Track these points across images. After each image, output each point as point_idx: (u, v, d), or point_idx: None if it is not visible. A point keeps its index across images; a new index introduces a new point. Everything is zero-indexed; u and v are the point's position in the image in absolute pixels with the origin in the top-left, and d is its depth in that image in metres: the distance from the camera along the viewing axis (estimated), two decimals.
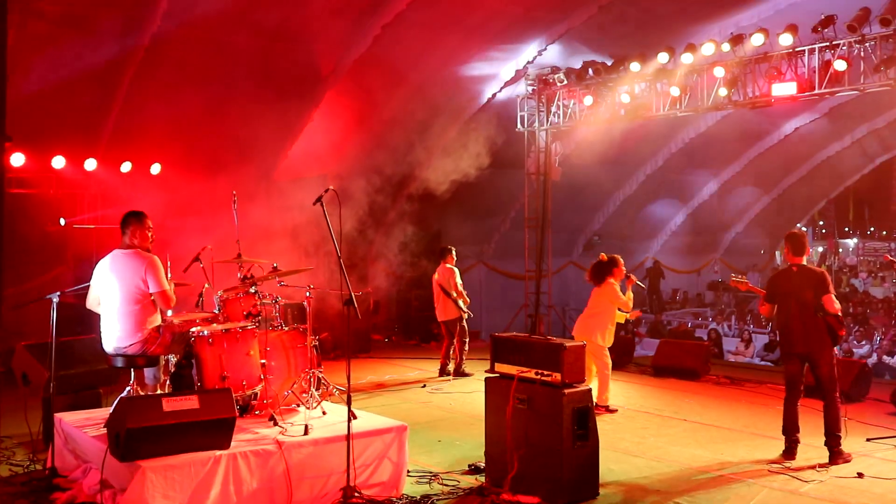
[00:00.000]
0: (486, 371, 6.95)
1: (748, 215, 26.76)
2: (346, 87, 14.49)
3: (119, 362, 6.55)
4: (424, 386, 11.21)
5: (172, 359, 6.84)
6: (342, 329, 11.40)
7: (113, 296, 6.50)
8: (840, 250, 36.91)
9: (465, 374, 11.77)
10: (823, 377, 7.51)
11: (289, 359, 7.01)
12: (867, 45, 12.70)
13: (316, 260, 14.18)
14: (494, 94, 16.23)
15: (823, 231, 38.75)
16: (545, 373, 6.42)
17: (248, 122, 14.25)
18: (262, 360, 6.74)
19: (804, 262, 7.73)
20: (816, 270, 7.72)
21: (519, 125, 16.75)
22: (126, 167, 13.63)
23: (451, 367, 11.97)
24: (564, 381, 6.31)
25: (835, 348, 7.71)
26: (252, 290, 7.14)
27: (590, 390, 6.52)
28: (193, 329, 6.59)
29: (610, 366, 9.55)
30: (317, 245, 13.53)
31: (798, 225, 30.20)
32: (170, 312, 6.77)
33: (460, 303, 11.87)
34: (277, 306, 7.39)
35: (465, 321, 11.97)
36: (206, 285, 7.33)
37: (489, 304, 19.48)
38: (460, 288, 11.96)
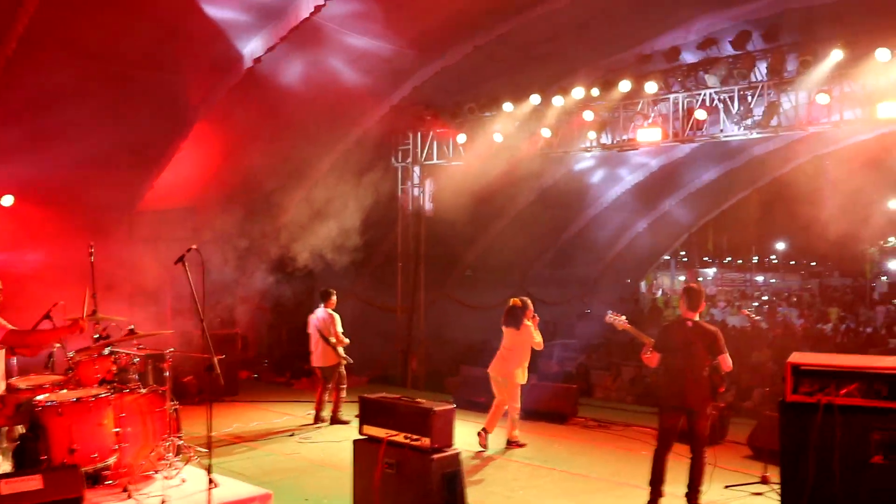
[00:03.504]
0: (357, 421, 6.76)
1: (615, 248, 27.61)
2: (216, 117, 14.08)
3: None
4: (293, 435, 10.86)
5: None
6: (205, 372, 11.01)
7: None
8: (700, 279, 38.53)
9: (341, 422, 11.46)
10: (699, 432, 7.63)
11: (146, 425, 6.64)
12: (725, 96, 13.35)
13: (181, 301, 13.77)
14: (368, 129, 16.11)
15: (685, 260, 40.43)
16: (414, 437, 6.31)
17: (112, 152, 13.65)
18: (117, 429, 6.33)
19: (697, 319, 7.80)
20: (710, 329, 7.73)
21: (393, 160, 16.71)
22: None
23: (325, 413, 11.64)
24: (433, 446, 6.23)
25: (712, 402, 7.82)
26: (107, 351, 6.71)
27: (458, 454, 6.45)
28: (40, 397, 6.12)
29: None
30: (179, 279, 13.12)
31: (665, 256, 31.35)
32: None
33: (340, 349, 11.58)
34: (135, 365, 6.96)
35: (343, 367, 11.65)
36: (57, 345, 6.85)
37: (363, 337, 19.22)
38: (341, 335, 11.64)
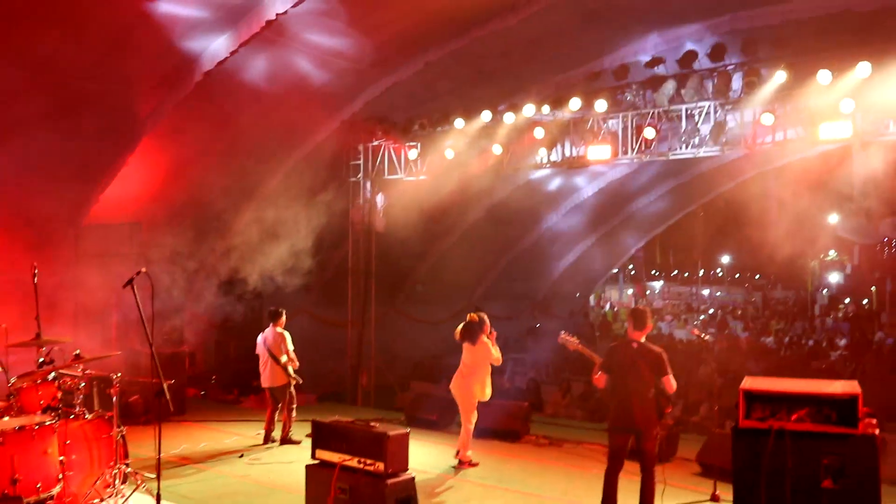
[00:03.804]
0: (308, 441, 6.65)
1: (565, 262, 27.84)
2: (164, 131, 13.87)
3: None
4: (242, 456, 10.62)
5: None
6: (153, 390, 10.80)
7: None
8: (648, 293, 39.04)
9: (291, 442, 11.28)
10: (647, 452, 7.70)
11: (92, 452, 6.47)
12: (673, 114, 13.58)
13: (127, 319, 13.50)
14: (320, 144, 16.02)
15: (633, 273, 40.91)
16: (368, 461, 6.25)
17: (55, 163, 13.39)
18: (61, 458, 6.15)
19: (643, 340, 7.86)
20: (655, 350, 7.79)
21: (344, 175, 16.65)
22: None
23: (276, 433, 11.48)
24: (388, 471, 6.17)
25: (659, 422, 7.86)
26: (51, 376, 6.52)
27: (413, 478, 6.40)
28: None
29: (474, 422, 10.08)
30: (126, 296, 12.86)
31: (614, 269, 31.68)
32: None
33: (290, 369, 11.41)
34: (80, 390, 6.77)
35: (293, 387, 11.48)
36: None
37: (312, 353, 19.06)
38: (291, 354, 11.45)
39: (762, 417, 5.61)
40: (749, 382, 5.99)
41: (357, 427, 6.51)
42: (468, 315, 10.43)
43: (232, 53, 12.44)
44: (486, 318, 10.29)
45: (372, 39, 13.53)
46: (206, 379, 17.25)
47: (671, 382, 7.65)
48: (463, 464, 10.14)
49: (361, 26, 13.08)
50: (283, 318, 11.67)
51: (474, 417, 10.17)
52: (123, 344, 13.56)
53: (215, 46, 12.49)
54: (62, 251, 14.93)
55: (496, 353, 10.14)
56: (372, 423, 6.62)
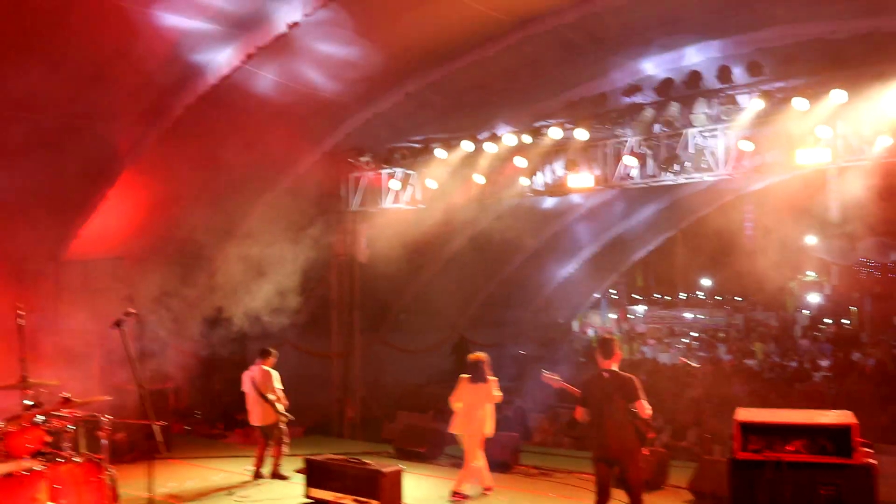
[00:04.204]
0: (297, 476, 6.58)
1: (547, 289, 27.91)
2: (145, 165, 13.84)
3: None
4: (231, 493, 10.46)
5: None
6: (138, 428, 10.69)
7: None
8: (630, 317, 39.06)
9: (281, 477, 11.14)
10: (631, 481, 7.70)
11: (82, 496, 6.34)
12: (653, 142, 13.70)
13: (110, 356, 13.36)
14: (301, 176, 16.02)
15: (615, 298, 40.98)
16: (363, 499, 6.21)
17: (33, 198, 13.29)
18: (51, 503, 6.04)
19: (614, 368, 7.89)
20: (626, 377, 7.83)
21: (325, 207, 16.65)
22: None
23: (265, 469, 11.33)
24: None
25: (642, 450, 7.86)
26: (39, 419, 6.41)
27: None
28: None
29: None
30: (109, 333, 12.73)
31: (595, 294, 31.75)
32: None
33: (279, 406, 11.30)
34: (69, 433, 6.64)
35: (283, 424, 11.34)
36: None
37: (297, 385, 18.92)
38: (280, 392, 11.36)
39: (758, 449, 5.64)
40: (743, 414, 6.01)
41: (351, 465, 6.48)
42: (470, 356, 10.53)
43: (213, 87, 12.47)
44: (487, 357, 10.49)
45: (352, 72, 13.59)
46: (191, 414, 17.09)
47: (644, 407, 7.64)
48: (456, 496, 10.02)
49: (341, 59, 13.14)
50: (273, 357, 11.56)
51: (480, 454, 10.19)
52: (106, 380, 13.42)
53: (198, 78, 12.49)
54: (42, 287, 14.81)
55: (498, 392, 10.32)
56: (365, 461, 6.58)
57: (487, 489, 10.41)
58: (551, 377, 8.73)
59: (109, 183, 13.91)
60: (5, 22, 9.85)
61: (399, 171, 15.93)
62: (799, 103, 11.80)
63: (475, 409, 10.17)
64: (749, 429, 5.78)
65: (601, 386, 7.83)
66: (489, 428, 10.26)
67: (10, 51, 10.65)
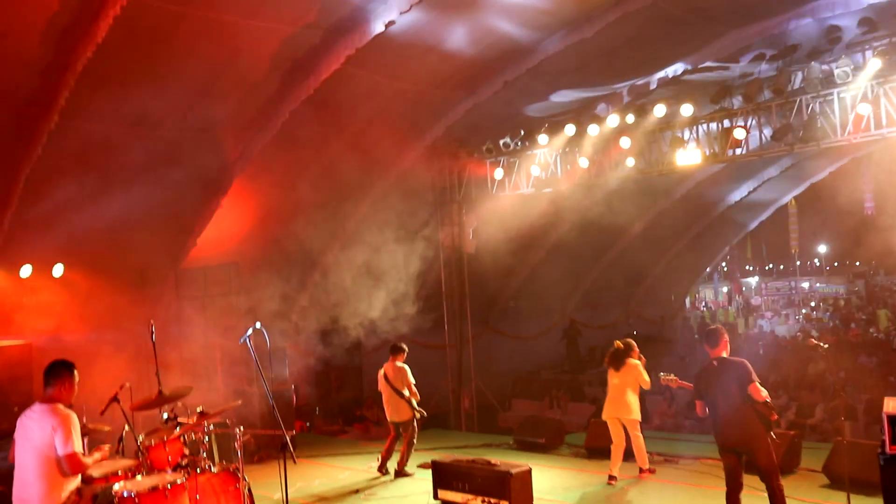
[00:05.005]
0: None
1: (658, 266, 27.36)
2: (253, 172, 14.21)
3: None
4: (358, 493, 10.62)
5: None
6: (263, 429, 11.01)
7: (27, 455, 5.90)
8: (743, 289, 37.99)
9: (406, 474, 11.25)
10: (762, 467, 7.49)
11: None
12: (761, 115, 13.21)
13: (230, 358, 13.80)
14: (404, 171, 16.13)
15: (726, 270, 39.93)
16: (493, 500, 6.21)
17: (153, 211, 13.84)
18: None
19: (724, 355, 7.70)
20: (737, 362, 7.64)
21: (431, 200, 16.73)
22: (26, 271, 12.88)
23: (391, 464, 11.45)
24: None
25: (770, 434, 7.63)
26: (176, 431, 6.66)
27: None
28: (116, 487, 6.06)
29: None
30: (229, 335, 13.15)
31: (707, 270, 30.96)
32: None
33: (413, 402, 11.35)
34: (206, 443, 6.88)
35: (416, 421, 11.40)
36: (126, 428, 6.79)
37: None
38: (413, 387, 11.41)
39: None
40: (892, 405, 5.73)
41: (478, 466, 6.48)
42: (614, 343, 10.93)
43: (316, 90, 12.64)
44: (632, 343, 10.82)
45: (448, 65, 13.57)
46: (311, 411, 17.48)
47: (759, 391, 7.39)
48: (642, 472, 10.62)
49: (438, 54, 13.13)
50: (405, 352, 11.65)
51: (639, 431, 10.58)
52: (230, 385, 13.88)
53: (300, 83, 12.69)
54: (164, 294, 15.42)
55: (646, 375, 10.58)
56: (492, 461, 6.57)
57: (649, 471, 10.72)
58: (669, 379, 8.69)
59: (223, 191, 14.34)
60: (120, 48, 10.22)
61: (503, 160, 15.85)
62: None
63: (620, 393, 10.53)
64: None
65: (713, 376, 7.66)
66: (637, 411, 10.52)
67: (125, 75, 11.08)
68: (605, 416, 10.74)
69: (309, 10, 11.29)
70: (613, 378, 10.67)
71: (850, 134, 12.58)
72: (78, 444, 5.91)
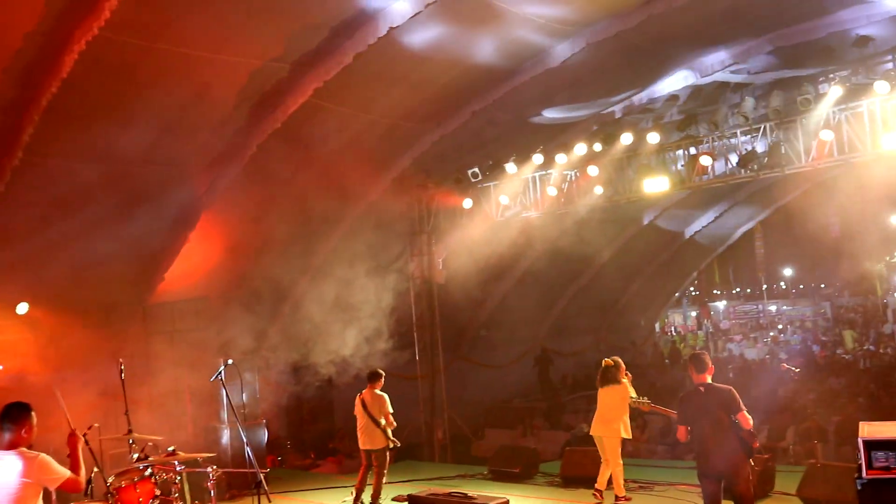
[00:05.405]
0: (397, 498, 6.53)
1: (627, 292, 27.53)
2: (222, 206, 14.10)
3: None
4: None
5: None
6: (236, 467, 10.89)
7: None
8: (712, 313, 38.30)
9: None
10: (739, 494, 7.51)
11: None
12: (727, 140, 13.41)
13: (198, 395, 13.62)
14: (372, 203, 16.10)
15: (695, 294, 40.25)
16: None
17: (120, 247, 13.66)
18: None
19: (709, 381, 7.72)
20: (724, 389, 7.65)
21: (398, 232, 16.74)
22: None
23: (365, 496, 11.24)
24: None
25: (749, 461, 7.65)
26: (148, 472, 6.53)
27: None
28: None
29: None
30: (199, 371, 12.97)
31: (675, 294, 31.17)
32: None
33: (389, 432, 11.13)
34: (177, 483, 6.74)
35: (388, 451, 11.18)
36: (95, 469, 6.63)
37: None
38: (391, 416, 11.17)
39: (886, 466, 5.40)
40: (867, 430, 5.78)
41: (455, 499, 6.43)
42: (604, 361, 10.97)
43: (282, 125, 12.62)
44: (620, 361, 10.85)
45: (417, 96, 13.63)
46: (282, 445, 17.25)
47: (746, 419, 7.44)
48: (620, 499, 10.45)
49: (406, 85, 13.20)
50: (382, 379, 11.45)
51: (620, 456, 10.51)
52: (199, 422, 13.69)
53: (266, 116, 12.66)
54: (132, 330, 15.18)
55: (633, 393, 10.65)
56: (469, 494, 6.52)
57: (625, 499, 10.55)
58: (641, 402, 8.74)
59: (191, 226, 14.20)
60: (86, 83, 10.17)
61: (470, 190, 15.89)
62: (881, 87, 11.44)
63: (611, 412, 10.52)
64: (873, 445, 5.54)
65: (699, 401, 7.66)
66: (626, 431, 10.51)
67: (90, 110, 11.03)
68: (593, 433, 10.75)
69: (276, 44, 11.30)
70: (604, 396, 10.70)
71: (814, 160, 12.83)
72: (64, 469, 5.70)
